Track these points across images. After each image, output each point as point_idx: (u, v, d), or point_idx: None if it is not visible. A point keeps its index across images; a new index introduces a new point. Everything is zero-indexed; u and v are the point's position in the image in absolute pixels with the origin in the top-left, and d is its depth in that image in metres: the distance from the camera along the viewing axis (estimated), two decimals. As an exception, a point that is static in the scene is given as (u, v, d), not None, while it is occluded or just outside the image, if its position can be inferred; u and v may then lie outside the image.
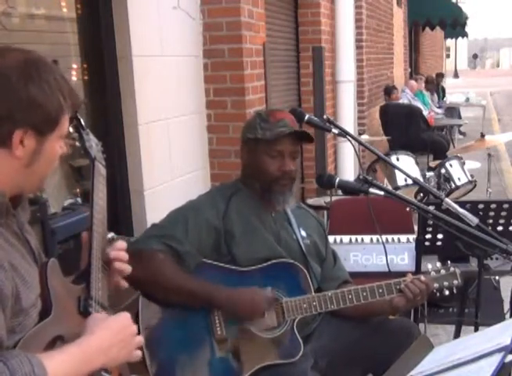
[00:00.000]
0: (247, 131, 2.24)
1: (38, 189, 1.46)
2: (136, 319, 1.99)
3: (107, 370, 1.37)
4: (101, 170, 1.64)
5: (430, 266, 2.21)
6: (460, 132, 12.18)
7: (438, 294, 2.18)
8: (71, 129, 1.60)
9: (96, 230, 1.52)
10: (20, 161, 1.31)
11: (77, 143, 1.62)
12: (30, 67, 1.29)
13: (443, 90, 14.38)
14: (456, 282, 2.18)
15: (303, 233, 2.30)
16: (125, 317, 1.39)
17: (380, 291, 2.13)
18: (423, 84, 11.86)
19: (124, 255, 1.60)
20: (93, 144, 1.66)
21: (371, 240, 3.22)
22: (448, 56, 34.38)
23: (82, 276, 1.48)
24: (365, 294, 2.12)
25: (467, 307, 2.93)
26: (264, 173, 2.18)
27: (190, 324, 2.02)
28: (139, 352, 1.41)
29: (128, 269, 1.62)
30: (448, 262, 2.25)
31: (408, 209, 3.24)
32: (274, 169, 2.16)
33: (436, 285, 2.16)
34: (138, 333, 1.43)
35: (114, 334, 1.34)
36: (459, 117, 12.13)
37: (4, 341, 1.19)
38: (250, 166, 2.24)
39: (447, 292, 2.18)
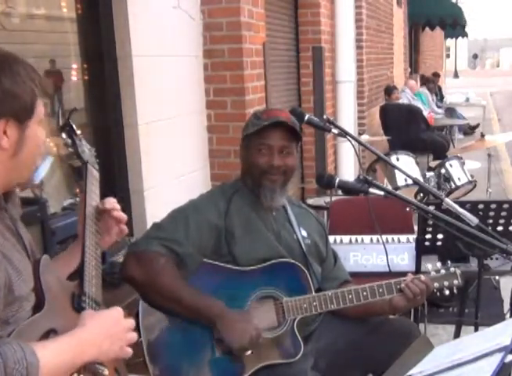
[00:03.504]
0: (243, 130, 2.25)
1: (28, 179, 1.48)
2: (136, 319, 1.99)
3: (102, 363, 1.38)
4: (94, 173, 1.69)
5: (430, 266, 2.21)
6: (472, 127, 12.12)
7: (438, 293, 2.18)
8: (64, 135, 1.66)
9: (89, 229, 1.54)
10: (6, 152, 1.34)
11: (70, 149, 1.66)
12: (1, 62, 1.35)
13: (439, 89, 14.36)
14: (456, 282, 2.18)
15: (303, 233, 2.30)
16: (117, 312, 1.40)
17: (381, 290, 2.13)
18: (419, 83, 11.85)
19: (118, 206, 1.68)
20: (85, 149, 1.71)
21: (371, 240, 3.22)
22: (448, 55, 34.38)
23: (76, 273, 1.50)
24: (365, 293, 2.12)
25: (467, 307, 2.93)
26: (253, 167, 2.18)
27: (190, 324, 2.02)
28: (130, 349, 1.41)
29: (124, 216, 1.68)
30: (449, 262, 2.24)
31: (408, 209, 3.24)
32: (261, 163, 2.16)
33: (436, 285, 2.16)
34: (137, 330, 1.43)
35: (107, 327, 1.35)
36: (463, 118, 12.07)
37: None
38: (244, 163, 2.25)
39: (447, 292, 2.17)
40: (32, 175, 1.47)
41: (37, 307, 1.33)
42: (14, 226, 1.39)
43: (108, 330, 1.35)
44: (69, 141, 1.66)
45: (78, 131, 1.69)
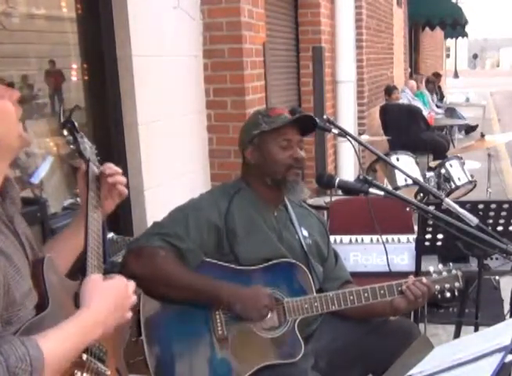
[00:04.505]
0: (251, 129, 2.22)
1: (24, 145, 1.42)
2: (137, 318, 1.99)
3: (104, 363, 1.39)
4: (95, 171, 1.68)
5: (432, 268, 2.21)
6: (471, 127, 12.08)
7: (439, 296, 2.18)
8: (65, 132, 1.64)
9: (91, 228, 1.54)
10: None
11: (72, 146, 1.65)
12: None
13: (439, 89, 14.35)
14: (457, 284, 2.17)
15: (305, 233, 2.29)
16: (121, 281, 1.42)
17: (382, 292, 2.13)
18: (424, 84, 11.84)
19: (117, 170, 1.68)
20: (87, 147, 1.69)
21: (371, 240, 3.22)
22: (448, 56, 34.36)
23: (78, 273, 1.50)
24: (366, 295, 2.12)
25: (467, 307, 2.93)
26: (276, 164, 2.17)
27: (191, 323, 2.02)
28: (130, 314, 1.42)
29: (123, 179, 1.69)
30: (450, 264, 2.24)
31: (408, 209, 3.25)
32: (286, 157, 2.16)
33: (437, 287, 2.15)
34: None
35: (111, 303, 1.36)
36: (463, 118, 12.07)
37: None
38: (260, 162, 2.21)
39: (448, 294, 2.17)
40: (24, 140, 1.39)
41: (41, 307, 1.32)
42: (11, 223, 1.38)
43: (112, 305, 1.36)
44: (70, 138, 1.65)
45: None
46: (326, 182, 2.21)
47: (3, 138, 1.32)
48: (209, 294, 2.00)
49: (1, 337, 1.19)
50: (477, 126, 12.08)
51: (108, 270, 2.49)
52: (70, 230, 1.68)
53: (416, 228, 2.93)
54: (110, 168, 1.68)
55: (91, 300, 1.34)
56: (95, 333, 1.31)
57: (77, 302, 1.42)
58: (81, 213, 1.65)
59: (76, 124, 1.66)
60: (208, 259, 2.09)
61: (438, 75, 14.43)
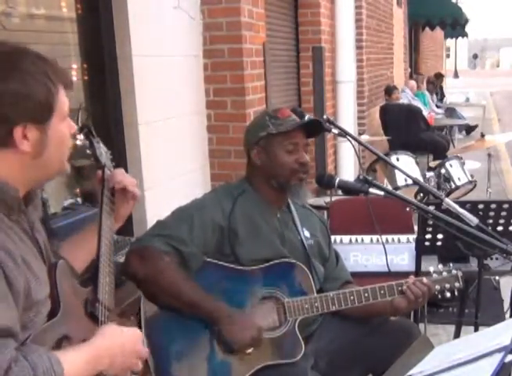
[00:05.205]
0: (258, 131, 2.21)
1: (62, 172, 1.45)
2: (138, 318, 1.99)
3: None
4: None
5: (432, 268, 2.21)
6: (470, 127, 12.04)
7: (439, 296, 2.18)
8: (82, 137, 1.65)
9: (104, 235, 1.54)
10: (28, 154, 1.29)
11: (88, 151, 1.66)
12: (4, 63, 1.27)
13: (441, 89, 14.34)
14: (457, 284, 2.18)
15: (307, 234, 2.29)
16: (139, 334, 1.42)
17: (382, 292, 2.13)
18: (425, 85, 11.83)
19: (126, 178, 1.70)
20: (103, 152, 1.70)
21: (371, 240, 3.22)
22: (448, 56, 34.35)
23: (90, 279, 1.50)
24: (366, 295, 2.12)
25: (467, 307, 2.93)
26: (282, 167, 2.16)
27: (192, 323, 2.02)
28: (140, 364, 1.42)
29: (133, 181, 1.71)
30: (451, 264, 2.24)
31: (408, 209, 3.25)
32: (291, 162, 2.16)
33: (437, 287, 2.16)
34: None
35: (125, 343, 1.36)
36: (463, 118, 12.06)
37: (19, 335, 1.20)
38: (266, 164, 2.20)
39: (448, 294, 2.18)
40: (63, 167, 1.42)
41: (52, 312, 1.33)
42: (31, 230, 1.38)
43: (125, 346, 1.35)
44: (87, 143, 1.66)
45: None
46: (326, 182, 2.22)
47: (52, 157, 1.35)
48: (205, 312, 1.98)
49: (27, 346, 1.20)
50: (476, 126, 12.09)
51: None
52: (86, 232, 1.68)
53: (416, 228, 2.93)
54: (119, 177, 1.68)
55: (109, 331, 1.35)
56: (104, 362, 1.31)
57: (87, 309, 1.43)
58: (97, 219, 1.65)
59: (93, 129, 1.67)
60: (209, 259, 2.09)
61: (440, 75, 14.42)
